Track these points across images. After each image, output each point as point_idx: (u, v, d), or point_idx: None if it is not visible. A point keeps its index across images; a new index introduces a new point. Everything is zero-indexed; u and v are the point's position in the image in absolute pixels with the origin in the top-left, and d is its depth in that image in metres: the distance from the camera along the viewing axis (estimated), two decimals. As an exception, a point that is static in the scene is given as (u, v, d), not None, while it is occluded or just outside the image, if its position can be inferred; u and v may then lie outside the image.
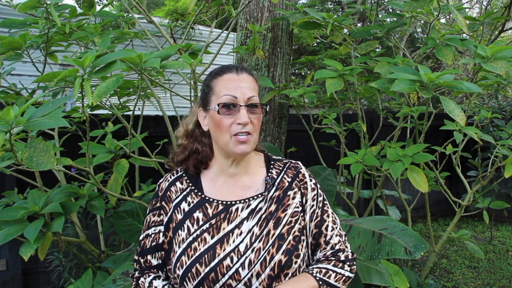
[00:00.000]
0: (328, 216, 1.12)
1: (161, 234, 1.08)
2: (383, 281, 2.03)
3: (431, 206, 3.23)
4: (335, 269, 1.06)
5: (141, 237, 1.12)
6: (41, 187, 1.99)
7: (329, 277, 1.04)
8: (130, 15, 2.55)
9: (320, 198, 1.13)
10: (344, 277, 1.07)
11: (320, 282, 1.02)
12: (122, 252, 2.26)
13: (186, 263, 1.00)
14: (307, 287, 0.99)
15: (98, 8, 2.30)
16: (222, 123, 1.02)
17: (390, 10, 9.19)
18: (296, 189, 1.09)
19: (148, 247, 1.09)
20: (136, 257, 1.12)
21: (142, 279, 1.09)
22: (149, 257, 1.09)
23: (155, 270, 1.10)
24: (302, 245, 1.04)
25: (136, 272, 1.11)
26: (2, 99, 2.06)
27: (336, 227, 1.13)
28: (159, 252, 1.08)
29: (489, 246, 4.71)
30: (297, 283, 0.99)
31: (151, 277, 1.08)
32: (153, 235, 1.09)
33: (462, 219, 5.64)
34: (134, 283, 1.10)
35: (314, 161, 3.36)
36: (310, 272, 1.04)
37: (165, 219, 1.08)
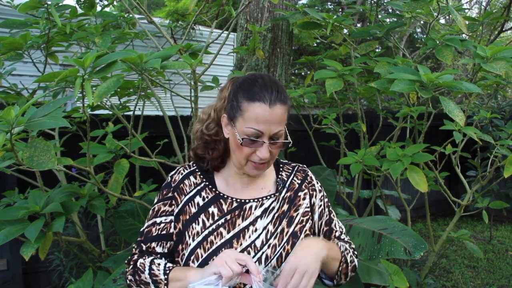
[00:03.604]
0: (333, 215, 1.19)
1: (172, 224, 1.07)
2: (383, 280, 2.04)
3: (431, 206, 3.23)
4: (351, 250, 1.12)
5: (145, 225, 1.09)
6: (42, 187, 2.00)
7: (347, 254, 1.09)
8: (130, 15, 2.55)
9: (326, 199, 1.19)
10: (353, 263, 1.11)
11: (342, 255, 1.07)
12: (122, 252, 2.27)
13: (202, 256, 1.01)
14: (335, 254, 1.04)
15: (98, 8, 2.30)
16: (242, 150, 1.01)
17: (390, 10, 9.19)
18: (306, 191, 1.15)
19: (154, 234, 1.07)
20: (135, 245, 1.09)
21: (141, 260, 1.04)
22: (153, 244, 1.06)
23: (158, 257, 1.07)
24: None
25: (135, 256, 1.07)
26: (3, 99, 2.06)
27: (341, 226, 1.20)
28: (166, 242, 1.07)
29: (488, 246, 4.72)
30: (331, 245, 1.04)
31: (151, 258, 1.05)
32: (162, 224, 1.07)
33: (462, 219, 5.64)
34: (131, 266, 1.05)
35: (314, 161, 3.36)
36: (337, 244, 1.09)
37: (176, 210, 1.08)
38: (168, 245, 1.07)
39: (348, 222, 1.89)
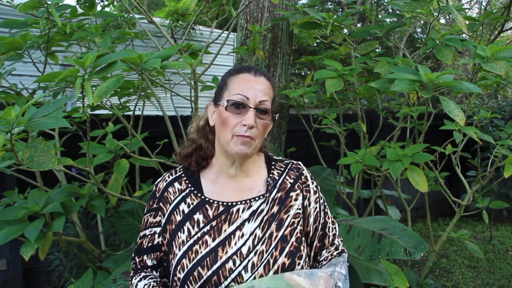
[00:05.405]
0: (328, 217, 1.15)
1: (156, 235, 1.07)
2: (383, 280, 2.04)
3: (431, 206, 3.24)
4: (344, 272, 1.08)
5: (139, 236, 1.12)
6: (42, 187, 2.00)
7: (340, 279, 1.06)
8: (130, 15, 2.55)
9: (322, 200, 1.14)
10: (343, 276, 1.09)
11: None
12: (122, 252, 2.27)
13: (187, 266, 0.98)
14: None
15: (98, 8, 2.30)
16: (228, 121, 1.00)
17: (390, 10, 9.19)
18: (298, 191, 1.09)
19: (144, 247, 1.08)
20: (133, 255, 1.12)
21: (133, 279, 1.09)
22: (145, 257, 1.09)
23: (149, 270, 1.09)
24: (303, 246, 1.04)
25: (132, 272, 1.12)
26: (3, 99, 2.06)
27: (335, 227, 1.17)
28: (154, 253, 1.08)
29: (488, 246, 4.72)
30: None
31: (140, 277, 1.08)
32: (149, 236, 1.08)
33: (462, 219, 5.64)
34: (131, 284, 1.11)
35: (314, 161, 3.36)
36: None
37: (163, 221, 1.07)
38: (155, 255, 1.08)
39: (348, 222, 1.89)
